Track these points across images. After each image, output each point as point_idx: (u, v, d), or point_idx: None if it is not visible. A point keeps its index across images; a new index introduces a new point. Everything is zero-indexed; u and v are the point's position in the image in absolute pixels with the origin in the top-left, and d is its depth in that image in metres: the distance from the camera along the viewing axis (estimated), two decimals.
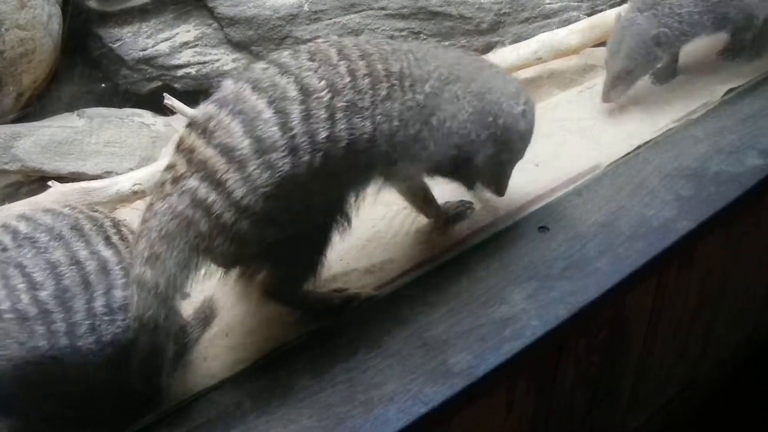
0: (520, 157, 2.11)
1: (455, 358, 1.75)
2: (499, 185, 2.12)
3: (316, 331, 1.84)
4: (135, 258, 1.61)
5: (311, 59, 1.69)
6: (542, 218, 2.13)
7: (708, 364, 2.99)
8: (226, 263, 1.73)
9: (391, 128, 1.73)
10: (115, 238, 1.65)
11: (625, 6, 2.72)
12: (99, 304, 1.55)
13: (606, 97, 2.56)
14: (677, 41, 2.57)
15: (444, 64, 1.89)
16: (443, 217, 2.13)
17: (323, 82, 1.65)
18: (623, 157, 2.35)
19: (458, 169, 1.99)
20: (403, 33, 3.13)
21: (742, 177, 2.26)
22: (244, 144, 1.59)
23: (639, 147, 2.38)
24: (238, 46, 3.12)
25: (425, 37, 3.14)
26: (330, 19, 3.07)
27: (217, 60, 3.12)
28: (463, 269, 1.98)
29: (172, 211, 1.59)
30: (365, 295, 1.92)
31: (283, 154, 1.60)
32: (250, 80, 1.67)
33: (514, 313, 1.86)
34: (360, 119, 1.68)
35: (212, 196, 1.59)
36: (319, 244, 1.78)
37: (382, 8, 3.12)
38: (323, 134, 1.63)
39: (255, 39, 3.08)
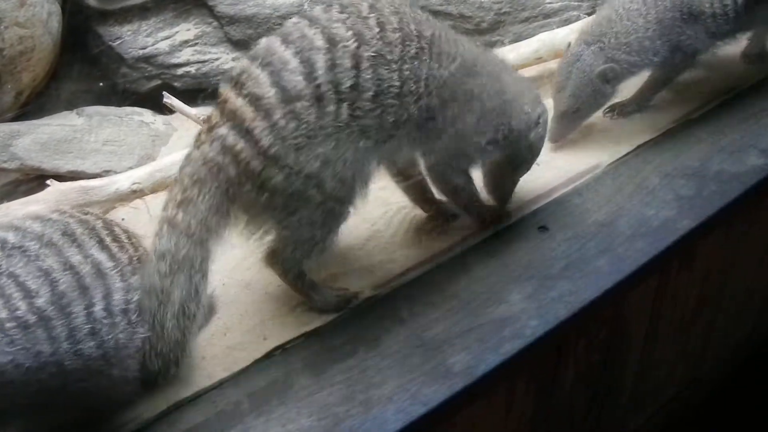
0: (527, 169, 2.11)
1: (454, 358, 1.75)
2: (502, 195, 2.12)
3: (315, 331, 1.84)
4: (168, 203, 1.70)
5: (341, 12, 1.73)
6: (542, 218, 2.13)
7: (708, 364, 2.98)
8: (253, 212, 1.76)
9: (417, 89, 1.75)
10: (108, 240, 1.65)
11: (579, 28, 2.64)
12: (98, 308, 1.55)
13: (553, 135, 2.37)
14: (628, 74, 2.40)
15: (470, 52, 1.90)
16: (443, 215, 2.13)
17: (350, 32, 1.69)
18: (623, 156, 2.35)
19: (457, 176, 2.00)
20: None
21: (743, 176, 2.26)
22: (270, 93, 1.64)
23: (639, 146, 2.38)
24: (238, 44, 3.11)
25: None
26: None
27: (217, 59, 3.11)
28: (462, 269, 1.98)
29: (204, 157, 1.68)
30: (365, 295, 1.92)
31: (308, 103, 1.64)
32: (281, 33, 1.73)
33: (514, 312, 1.86)
34: (387, 71, 1.70)
35: (240, 144, 1.66)
36: (336, 207, 1.78)
37: None
38: (348, 83, 1.66)
39: (255, 37, 3.05)
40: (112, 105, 2.95)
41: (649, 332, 2.43)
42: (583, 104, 2.37)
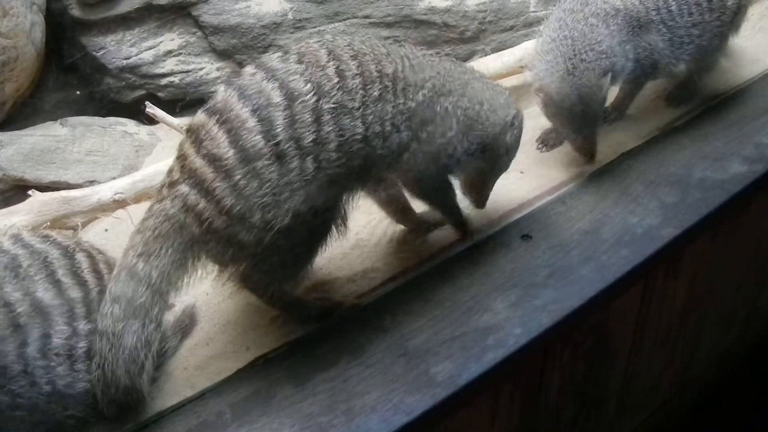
0: (505, 170, 2.10)
1: (437, 367, 1.74)
2: (480, 197, 2.11)
3: (298, 340, 1.83)
4: (127, 251, 1.65)
5: (299, 62, 1.69)
6: (526, 226, 2.13)
7: (697, 370, 2.98)
8: (223, 263, 1.75)
9: (383, 131, 1.72)
10: (60, 274, 1.62)
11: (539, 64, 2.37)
12: (31, 348, 1.53)
13: (587, 155, 2.32)
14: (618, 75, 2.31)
15: (438, 74, 1.86)
16: (422, 227, 2.12)
17: (309, 85, 1.65)
18: (607, 164, 2.34)
19: (439, 189, 1.98)
20: (388, 42, 3.11)
21: (726, 183, 2.26)
22: (229, 154, 1.61)
23: (623, 154, 2.38)
24: (222, 54, 3.11)
25: None
26: (314, 27, 3.06)
27: (201, 68, 3.11)
28: (446, 277, 1.98)
29: (166, 214, 1.65)
30: (348, 304, 1.91)
31: (269, 161, 1.61)
32: (238, 87, 1.67)
33: (497, 321, 1.85)
34: (349, 120, 1.67)
35: (202, 203, 1.62)
36: (312, 247, 1.77)
37: (367, 17, 3.11)
38: (310, 138, 1.63)
39: (239, 47, 3.07)
40: (95, 115, 2.95)
41: (636, 340, 2.43)
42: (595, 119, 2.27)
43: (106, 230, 2.28)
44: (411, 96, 1.78)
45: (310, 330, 1.85)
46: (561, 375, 2.18)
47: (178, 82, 3.09)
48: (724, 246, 2.56)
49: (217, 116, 1.64)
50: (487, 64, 2.81)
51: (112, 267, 1.71)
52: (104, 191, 2.33)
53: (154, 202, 1.69)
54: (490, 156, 2.00)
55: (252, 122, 1.62)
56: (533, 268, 2.00)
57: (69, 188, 2.46)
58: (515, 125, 2.01)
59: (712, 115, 2.56)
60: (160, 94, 3.08)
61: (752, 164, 2.32)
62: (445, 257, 2.05)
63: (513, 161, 2.10)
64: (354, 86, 1.69)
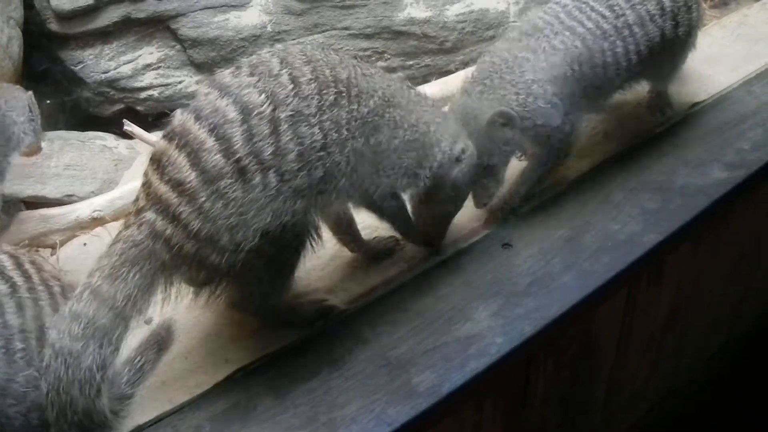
0: (456, 208, 2.05)
1: (419, 377, 1.73)
2: (433, 233, 2.06)
3: (278, 353, 1.81)
4: (93, 272, 1.63)
5: (251, 74, 1.66)
6: (506, 234, 2.12)
7: (683, 376, 2.98)
8: (197, 285, 1.73)
9: (340, 137, 1.68)
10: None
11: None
12: None
13: (478, 202, 2.15)
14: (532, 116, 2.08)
15: (387, 86, 1.83)
16: (369, 253, 2.07)
17: (263, 96, 1.62)
18: (588, 171, 2.34)
19: (387, 202, 1.92)
20: (367, 53, 3.12)
21: (708, 189, 2.26)
22: (191, 177, 1.59)
23: (604, 161, 2.37)
24: (201, 67, 3.10)
25: (389, 56, 3.14)
26: (293, 39, 3.06)
27: (180, 82, 3.10)
28: (426, 287, 1.97)
29: (133, 240, 1.63)
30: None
31: (232, 180, 1.58)
32: (193, 109, 1.65)
33: (479, 330, 1.84)
34: (307, 127, 1.64)
35: (169, 229, 1.61)
36: (288, 262, 1.76)
37: (346, 28, 3.11)
38: (269, 150, 1.60)
39: (218, 60, 3.07)
40: (74, 129, 2.93)
41: (620, 347, 2.43)
42: (490, 158, 2.08)
43: (84, 244, 2.26)
44: (364, 102, 1.74)
45: (289, 342, 1.83)
46: (545, 384, 2.17)
47: (157, 95, 3.08)
48: (707, 251, 2.56)
49: (177, 140, 1.62)
50: (468, 74, 2.80)
51: (44, 276, 1.70)
52: (82, 209, 2.32)
53: (122, 229, 1.67)
54: (437, 188, 1.94)
55: (210, 142, 1.59)
56: (514, 276, 1.99)
57: (48, 202, 2.44)
58: (463, 160, 1.94)
59: (693, 121, 2.57)
60: (139, 107, 3.07)
61: (733, 170, 2.33)
62: (425, 267, 2.03)
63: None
64: (309, 92, 1.65)
